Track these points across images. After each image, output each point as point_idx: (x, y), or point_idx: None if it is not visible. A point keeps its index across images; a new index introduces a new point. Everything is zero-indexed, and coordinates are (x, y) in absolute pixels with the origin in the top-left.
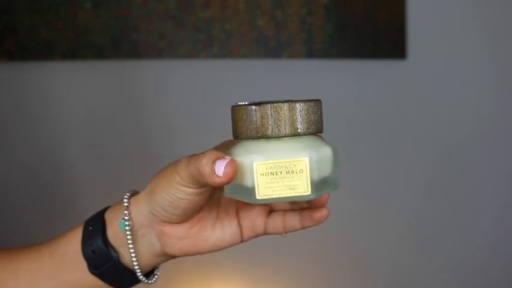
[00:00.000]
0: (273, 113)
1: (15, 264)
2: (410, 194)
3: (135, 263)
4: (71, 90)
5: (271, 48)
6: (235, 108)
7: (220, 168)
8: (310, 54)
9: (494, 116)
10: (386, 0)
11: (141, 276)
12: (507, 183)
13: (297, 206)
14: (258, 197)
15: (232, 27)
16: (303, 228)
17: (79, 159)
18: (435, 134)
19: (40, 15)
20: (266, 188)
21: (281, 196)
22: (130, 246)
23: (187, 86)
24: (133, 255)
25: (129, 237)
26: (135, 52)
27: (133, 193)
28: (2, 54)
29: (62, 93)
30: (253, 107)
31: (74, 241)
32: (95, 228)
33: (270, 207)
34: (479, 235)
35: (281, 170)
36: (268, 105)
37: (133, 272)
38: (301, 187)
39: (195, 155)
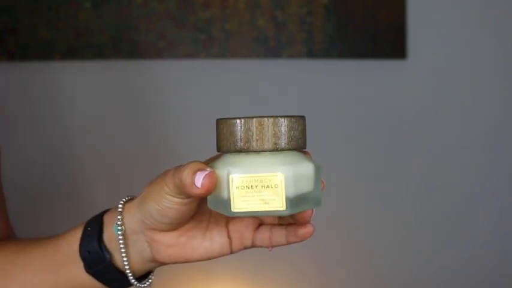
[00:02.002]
0: (252, 127)
1: (23, 257)
2: (410, 194)
3: (127, 267)
4: (71, 90)
5: (271, 48)
6: (218, 122)
7: (199, 179)
8: (310, 54)
9: (494, 116)
10: (386, 0)
11: (133, 280)
12: (507, 183)
13: (285, 221)
14: (233, 210)
15: (232, 27)
16: (288, 243)
17: (78, 159)
18: (435, 133)
19: (40, 15)
20: (242, 202)
21: (256, 210)
22: (122, 250)
23: (187, 86)
24: (125, 259)
25: (121, 241)
26: (135, 52)
27: (130, 198)
28: (2, 54)
29: (62, 93)
30: (234, 121)
31: (74, 240)
32: (93, 229)
33: (259, 221)
34: (479, 235)
35: (257, 184)
36: (249, 120)
37: (126, 275)
38: (276, 202)
39: (181, 165)
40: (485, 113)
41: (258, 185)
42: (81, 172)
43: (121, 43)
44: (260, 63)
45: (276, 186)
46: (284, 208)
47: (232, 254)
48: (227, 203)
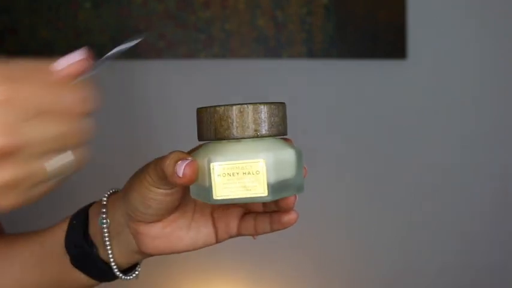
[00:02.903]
0: (231, 115)
1: (12, 251)
2: (410, 194)
3: (111, 259)
4: None
5: (271, 48)
6: (198, 110)
7: (181, 168)
8: (310, 54)
9: (494, 116)
10: (386, 0)
11: (118, 272)
12: (507, 183)
13: (268, 208)
14: (215, 197)
15: (232, 27)
16: (273, 231)
17: None
18: (435, 133)
19: (40, 15)
20: (223, 189)
21: (238, 197)
22: (107, 243)
23: (187, 86)
24: (109, 251)
25: (105, 234)
26: (135, 52)
27: (115, 191)
28: (2, 54)
29: None
30: (214, 109)
31: (60, 233)
32: (78, 223)
33: (244, 209)
34: (479, 235)
35: (238, 171)
36: (229, 107)
37: (111, 268)
38: (257, 188)
39: (163, 156)
40: (485, 113)
41: (240, 172)
42: (81, 172)
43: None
44: (260, 63)
45: (257, 172)
46: (266, 194)
47: (231, 254)
48: (209, 191)
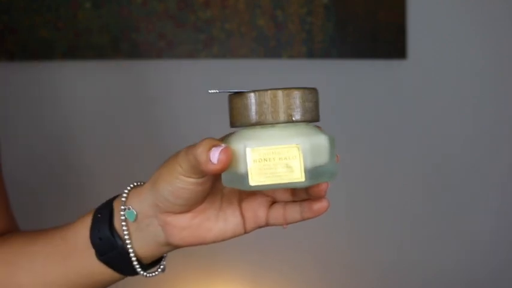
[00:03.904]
0: (267, 100)
1: (31, 247)
2: (410, 194)
3: (132, 254)
4: (71, 90)
5: (271, 48)
6: (231, 97)
7: (215, 155)
8: (310, 54)
9: (494, 116)
10: (387, 0)
11: (139, 269)
12: (507, 183)
13: (298, 197)
14: (251, 184)
15: (232, 27)
16: (303, 219)
17: (78, 158)
18: (435, 133)
19: (40, 15)
20: (259, 175)
21: (274, 183)
22: (126, 237)
23: (187, 86)
24: (129, 246)
25: (124, 228)
26: (135, 52)
27: (138, 184)
28: (2, 54)
29: (62, 93)
30: (248, 94)
31: (84, 227)
32: (103, 216)
33: (272, 199)
34: (479, 235)
35: (274, 156)
36: (263, 92)
37: (139, 260)
38: (294, 174)
39: (193, 144)
40: (485, 113)
41: (276, 157)
42: (81, 172)
43: (121, 43)
44: (260, 63)
45: (294, 157)
46: (303, 179)
47: (233, 254)
48: (244, 177)
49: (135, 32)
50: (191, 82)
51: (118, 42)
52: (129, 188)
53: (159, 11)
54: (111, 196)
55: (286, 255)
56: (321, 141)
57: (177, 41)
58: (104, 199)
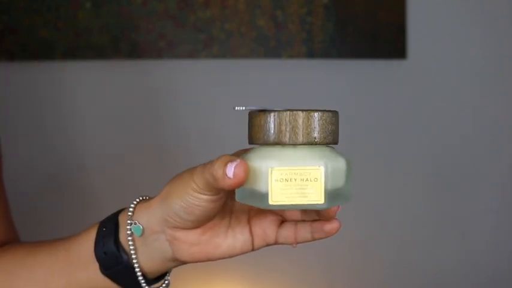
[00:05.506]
0: (291, 120)
1: (31, 258)
2: (410, 194)
3: (137, 269)
4: (71, 90)
5: (271, 48)
6: (253, 114)
7: (231, 170)
8: (310, 54)
9: (494, 116)
10: (387, 0)
11: (144, 284)
12: (507, 183)
13: (308, 217)
14: (271, 203)
15: (232, 27)
16: (314, 240)
17: (79, 159)
18: (435, 133)
19: (40, 15)
20: (280, 194)
21: (294, 203)
22: (132, 252)
23: (188, 86)
24: (134, 261)
25: (130, 243)
26: (135, 52)
27: (144, 199)
28: (2, 54)
29: (62, 93)
30: (271, 113)
31: (88, 241)
32: (108, 229)
33: (281, 218)
34: (479, 235)
35: (296, 177)
36: (287, 113)
37: (144, 275)
38: (314, 196)
39: (209, 162)
40: (485, 113)
41: (298, 178)
42: (82, 172)
43: (121, 43)
44: (260, 63)
45: (316, 179)
46: (322, 202)
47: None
48: (264, 195)
49: (135, 32)
50: (191, 82)
51: (118, 42)
52: (135, 202)
53: (159, 11)
54: (111, 196)
55: (287, 255)
56: (341, 164)
57: (177, 41)
58: (103, 199)
